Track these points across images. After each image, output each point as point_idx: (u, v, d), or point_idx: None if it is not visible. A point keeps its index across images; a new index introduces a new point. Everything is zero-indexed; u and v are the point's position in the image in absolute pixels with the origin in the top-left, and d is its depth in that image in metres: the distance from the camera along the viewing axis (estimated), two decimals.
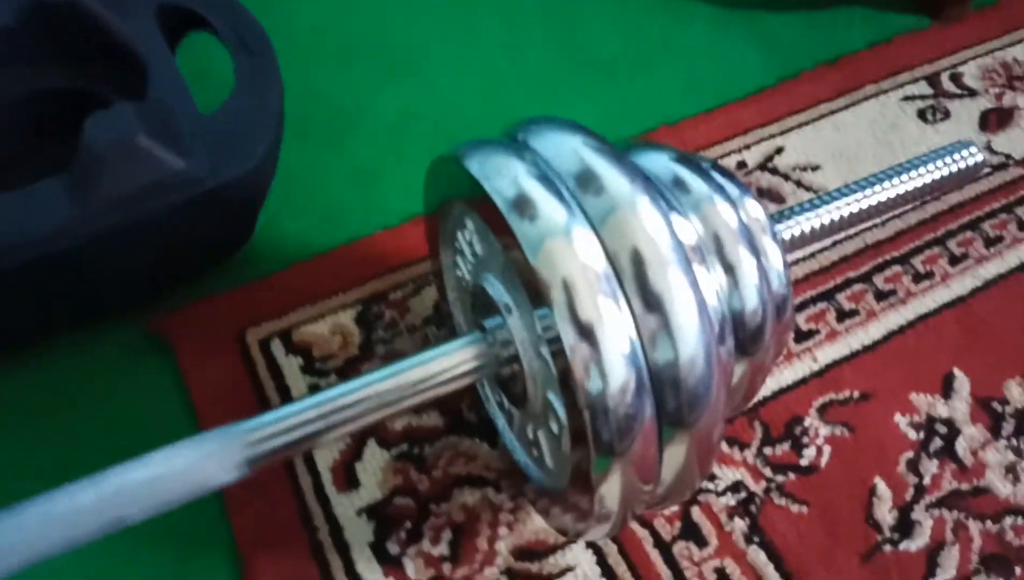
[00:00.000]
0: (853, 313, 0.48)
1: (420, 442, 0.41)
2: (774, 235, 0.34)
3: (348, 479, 0.40)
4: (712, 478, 0.41)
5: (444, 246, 0.39)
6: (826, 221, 0.39)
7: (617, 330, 0.28)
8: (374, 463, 0.41)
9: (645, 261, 0.28)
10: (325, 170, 0.53)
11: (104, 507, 0.28)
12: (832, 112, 0.58)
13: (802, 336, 0.47)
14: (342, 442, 0.41)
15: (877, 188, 0.40)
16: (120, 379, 0.43)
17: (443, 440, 0.41)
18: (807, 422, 0.44)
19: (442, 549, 0.38)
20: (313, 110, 0.55)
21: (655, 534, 0.39)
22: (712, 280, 0.32)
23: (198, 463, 0.29)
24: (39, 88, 0.49)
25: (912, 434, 0.44)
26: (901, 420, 0.44)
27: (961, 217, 0.52)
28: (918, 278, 0.49)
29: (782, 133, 0.57)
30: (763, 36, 0.64)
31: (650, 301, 0.28)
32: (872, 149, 0.56)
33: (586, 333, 0.28)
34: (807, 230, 0.38)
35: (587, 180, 0.30)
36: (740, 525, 0.40)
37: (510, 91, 0.60)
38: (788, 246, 0.38)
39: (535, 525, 0.39)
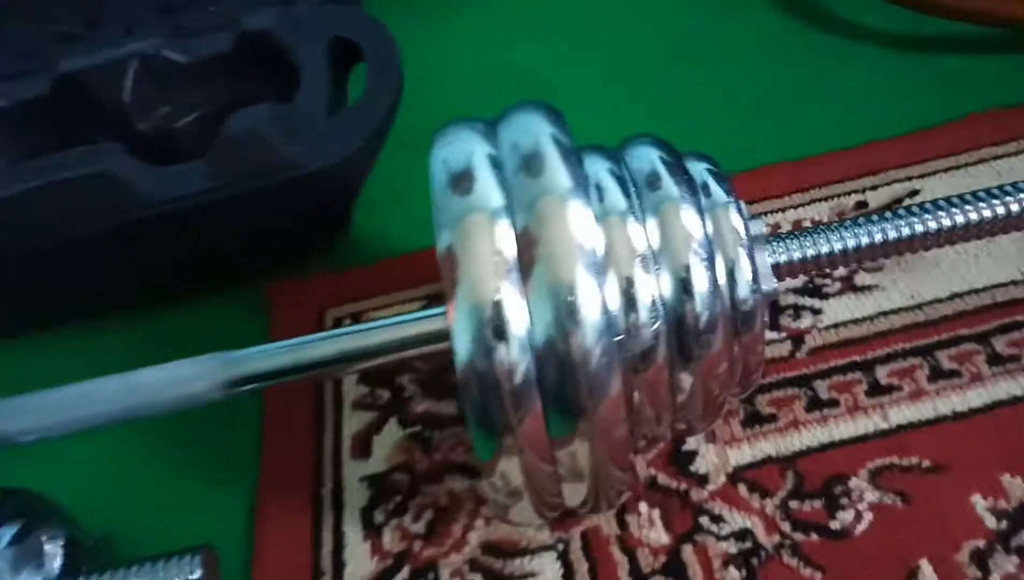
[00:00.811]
0: (953, 374, 0.41)
1: (432, 426, 0.44)
2: (749, 249, 0.32)
3: (363, 449, 0.44)
4: (717, 519, 0.38)
5: None
6: (829, 250, 0.34)
7: (513, 315, 0.28)
8: (389, 438, 0.44)
9: (554, 252, 0.29)
10: (422, 174, 0.58)
11: (123, 395, 0.35)
12: (995, 157, 0.50)
13: (877, 390, 0.41)
14: (370, 415, 0.45)
15: (911, 221, 0.35)
16: (227, 329, 0.51)
17: (454, 428, 0.43)
18: (852, 483, 0.38)
19: (419, 527, 0.40)
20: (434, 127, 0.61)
21: (634, 563, 0.37)
22: (649, 281, 0.30)
23: (191, 375, 0.35)
24: (235, 98, 0.61)
25: (991, 521, 0.36)
26: (980, 502, 0.36)
27: None
28: None
29: (923, 176, 0.50)
30: (932, 79, 0.57)
31: (548, 290, 0.28)
32: None
33: (478, 308, 0.28)
34: (805, 256, 0.34)
35: (531, 164, 0.30)
36: (734, 575, 0.36)
37: (648, 125, 0.61)
38: (786, 269, 0.34)
39: (511, 526, 0.39)
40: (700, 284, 0.31)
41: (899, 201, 0.49)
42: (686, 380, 0.32)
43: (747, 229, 0.33)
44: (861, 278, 0.46)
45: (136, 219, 0.48)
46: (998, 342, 0.42)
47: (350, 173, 0.50)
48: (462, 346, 0.29)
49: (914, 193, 0.49)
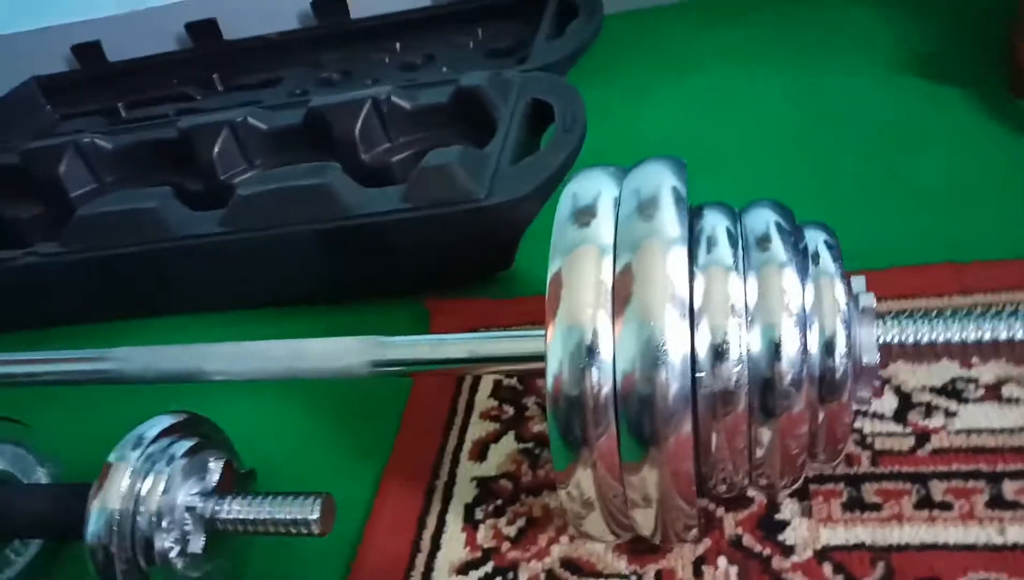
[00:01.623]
0: None
1: (544, 445, 0.47)
2: (847, 321, 0.33)
3: (480, 453, 0.48)
4: None
5: None
6: (947, 338, 0.34)
7: (601, 339, 0.32)
8: (505, 449, 0.48)
9: (649, 292, 0.32)
10: None
11: (290, 357, 0.44)
12: None
13: (999, 503, 0.38)
14: (493, 426, 0.50)
15: None
16: (390, 332, 0.58)
17: None
18: None
19: (511, 531, 0.44)
20: None
21: None
22: (738, 334, 0.32)
23: (346, 350, 0.42)
24: (443, 143, 0.70)
25: None
26: None
27: None
28: None
29: None
30: None
31: (637, 327, 0.32)
32: None
33: (571, 331, 0.32)
34: (919, 339, 0.34)
35: (646, 209, 0.34)
36: None
37: (820, 209, 0.61)
38: (895, 350, 0.34)
39: (594, 548, 0.41)
40: (789, 345, 0.32)
41: None
42: (765, 434, 0.33)
43: (852, 302, 0.34)
44: (1010, 390, 0.43)
45: (340, 226, 0.58)
46: None
47: (519, 212, 0.57)
48: (554, 360, 0.33)
49: None
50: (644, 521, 0.35)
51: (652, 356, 0.31)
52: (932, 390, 0.45)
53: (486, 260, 0.60)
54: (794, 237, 0.35)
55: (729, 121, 0.72)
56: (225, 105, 0.90)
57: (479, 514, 0.45)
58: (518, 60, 0.81)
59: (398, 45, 0.93)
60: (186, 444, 0.42)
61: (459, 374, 0.51)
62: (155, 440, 0.41)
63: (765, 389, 0.32)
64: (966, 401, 0.44)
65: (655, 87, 0.79)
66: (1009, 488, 0.39)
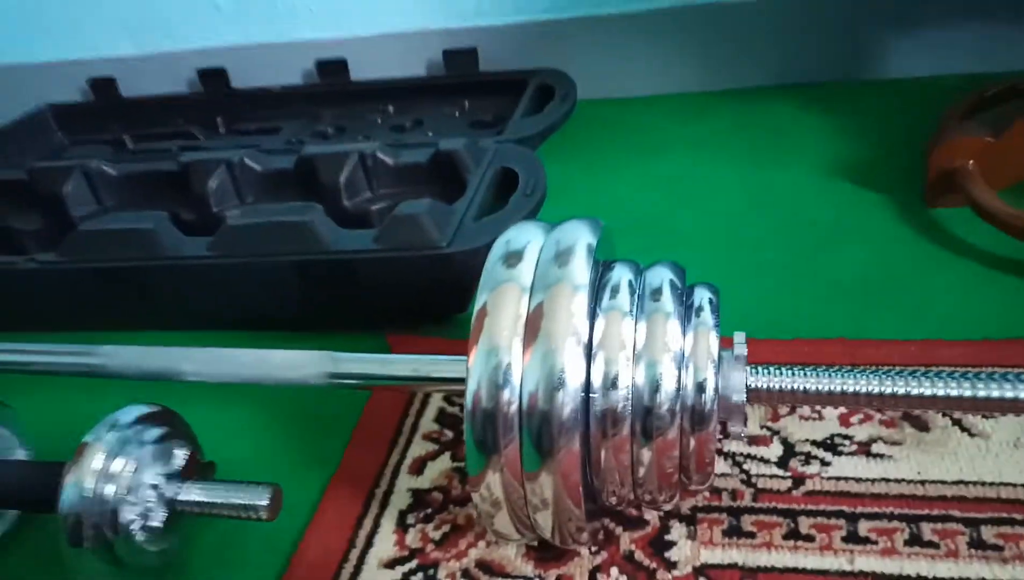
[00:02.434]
0: (931, 544, 0.44)
1: None
2: (717, 366, 0.40)
3: (419, 469, 0.54)
4: None
5: None
6: (804, 387, 0.41)
7: (513, 364, 0.39)
8: (441, 466, 0.54)
9: (553, 329, 0.39)
10: None
11: (256, 363, 0.50)
12: None
13: (853, 539, 0.45)
14: (433, 446, 0.56)
15: (896, 382, 0.40)
16: None
17: None
18: None
19: (436, 535, 0.49)
20: None
21: None
22: (627, 369, 0.39)
23: (305, 361, 0.49)
24: (417, 197, 0.78)
25: None
26: None
27: None
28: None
29: None
30: (1017, 299, 0.60)
31: (542, 353, 0.38)
32: None
33: (490, 355, 0.39)
34: (773, 385, 0.41)
35: (560, 258, 0.41)
36: None
37: (744, 281, 0.68)
38: (760, 393, 0.41)
39: (505, 553, 0.47)
40: (667, 381, 0.39)
41: None
42: (645, 455, 0.40)
43: (726, 351, 0.41)
44: (878, 447, 0.50)
45: (316, 259, 0.65)
46: (987, 530, 0.44)
47: (475, 261, 0.63)
48: (474, 379, 0.39)
49: None
50: (543, 522, 0.41)
51: (552, 380, 0.38)
52: (813, 443, 0.51)
53: (443, 303, 0.67)
54: (683, 293, 0.42)
55: (679, 203, 0.81)
56: (225, 146, 0.98)
57: (411, 519, 0.51)
58: (496, 132, 0.89)
59: (391, 108, 1.02)
60: (156, 431, 0.47)
61: (400, 390, 0.57)
62: (129, 425, 0.47)
63: (646, 416, 0.39)
64: (840, 453, 0.50)
65: (616, 167, 0.88)
66: (863, 527, 0.45)
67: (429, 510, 0.51)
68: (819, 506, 0.47)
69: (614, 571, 0.45)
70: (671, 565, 0.45)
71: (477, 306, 0.40)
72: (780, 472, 0.50)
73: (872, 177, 0.78)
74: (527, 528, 0.42)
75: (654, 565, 0.45)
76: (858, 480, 0.48)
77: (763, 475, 0.50)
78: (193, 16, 1.06)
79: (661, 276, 0.43)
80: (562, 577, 0.46)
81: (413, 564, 0.48)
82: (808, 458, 0.50)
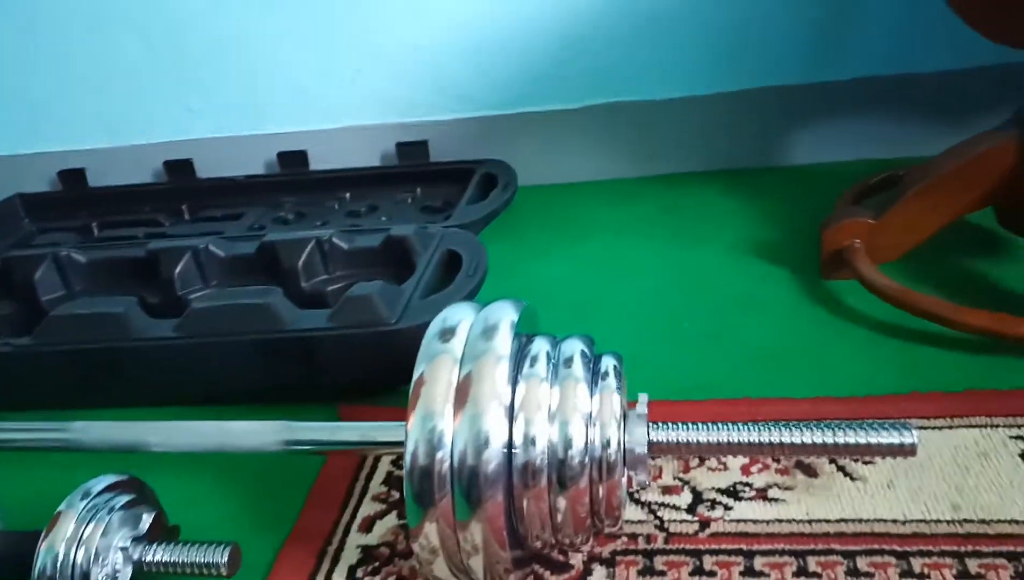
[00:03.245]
0: (815, 575, 0.50)
1: None
2: (621, 422, 0.47)
3: (368, 527, 0.59)
4: None
5: None
6: (697, 439, 0.48)
7: (446, 427, 0.45)
8: (388, 523, 0.59)
9: (480, 393, 0.45)
10: None
11: (216, 434, 0.55)
12: (922, 427, 0.61)
13: (750, 573, 0.51)
14: (381, 506, 0.61)
15: (777, 432, 0.48)
16: None
17: None
18: None
19: None
20: None
21: None
22: (544, 428, 0.46)
23: (263, 430, 0.54)
24: (369, 278, 0.85)
25: None
26: None
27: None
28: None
29: None
30: (898, 360, 0.69)
31: (470, 416, 0.45)
32: (943, 469, 0.57)
33: (425, 420, 0.45)
34: (672, 439, 0.48)
35: (486, 333, 0.48)
36: None
37: (664, 349, 0.76)
38: (660, 446, 0.48)
39: None
40: (577, 438, 0.46)
41: None
42: (561, 503, 0.46)
43: (629, 410, 0.48)
44: (774, 492, 0.57)
45: (275, 338, 0.71)
46: (861, 560, 0.51)
47: (422, 337, 0.70)
48: (412, 440, 0.45)
49: None
50: (476, 567, 0.47)
51: (479, 440, 0.44)
52: (718, 490, 0.58)
53: (393, 375, 0.73)
54: (591, 361, 0.49)
55: (607, 281, 0.89)
56: (190, 233, 1.04)
57: (359, 573, 0.55)
58: (444, 217, 0.97)
59: (348, 195, 1.10)
60: (124, 498, 0.52)
61: (349, 454, 0.63)
62: (100, 493, 0.52)
63: (560, 468, 0.46)
64: (740, 498, 0.57)
65: (550, 249, 0.97)
66: (758, 562, 0.52)
67: (377, 563, 0.56)
68: (721, 545, 0.54)
69: None
70: None
71: (415, 376, 0.47)
72: (689, 517, 0.56)
73: (778, 254, 0.88)
74: (462, 572, 0.47)
75: None
76: (755, 522, 0.55)
77: (674, 520, 0.56)
78: (165, 113, 1.14)
79: (573, 347, 0.50)
80: None
81: None
82: (713, 504, 0.57)
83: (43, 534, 0.49)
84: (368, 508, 0.61)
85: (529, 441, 0.45)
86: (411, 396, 0.46)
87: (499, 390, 0.45)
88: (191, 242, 0.88)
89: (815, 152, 1.08)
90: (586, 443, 0.46)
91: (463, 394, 0.46)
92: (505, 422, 0.45)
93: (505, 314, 0.50)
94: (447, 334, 0.49)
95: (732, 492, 0.58)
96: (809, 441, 0.47)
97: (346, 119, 1.13)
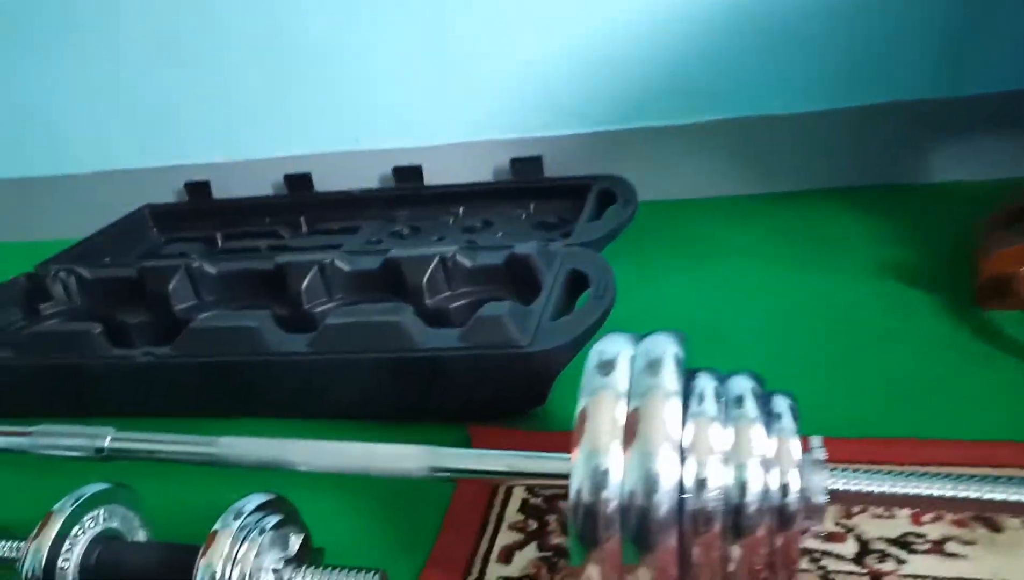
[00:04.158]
0: None
1: (561, 555, 0.57)
2: (801, 468, 0.43)
3: (507, 557, 0.58)
4: None
5: None
6: (884, 490, 0.44)
7: (613, 464, 0.43)
8: (528, 555, 0.57)
9: (650, 432, 0.43)
10: None
11: (363, 455, 0.55)
12: None
13: None
14: (519, 535, 0.59)
15: (977, 486, 0.43)
16: None
17: None
18: None
19: None
20: None
21: None
22: (718, 471, 0.43)
23: (408, 455, 0.53)
24: (494, 297, 0.83)
25: None
26: None
27: None
28: None
29: None
30: None
31: (641, 457, 0.42)
32: None
33: (591, 456, 0.43)
34: (854, 487, 0.44)
35: (650, 368, 0.46)
36: None
37: (798, 382, 0.71)
38: (841, 495, 0.44)
39: None
40: (755, 484, 0.43)
41: None
42: (735, 552, 0.43)
43: (807, 454, 0.44)
44: (952, 546, 0.53)
45: (406, 357, 0.70)
46: None
47: (555, 359, 0.69)
48: (577, 477, 0.43)
49: None
50: None
51: (650, 481, 0.42)
52: (887, 540, 0.54)
53: (523, 397, 0.72)
54: (764, 400, 0.46)
55: (735, 304, 0.85)
56: (308, 245, 1.06)
57: None
58: (562, 233, 0.96)
59: (461, 210, 1.10)
60: (273, 519, 0.52)
61: (496, 483, 0.61)
62: (251, 513, 0.52)
63: (736, 515, 0.43)
64: (915, 552, 0.53)
65: (670, 270, 0.93)
66: None
67: None
68: None
69: None
70: None
71: (578, 410, 0.45)
72: (857, 569, 0.52)
73: (918, 279, 0.82)
74: None
75: None
76: (935, 579, 0.51)
77: (841, 572, 0.52)
78: (284, 128, 1.17)
79: (742, 384, 0.47)
80: None
81: None
82: (883, 555, 0.53)
83: (201, 552, 0.49)
84: (505, 538, 0.59)
85: (702, 484, 0.43)
86: (575, 431, 0.44)
87: (669, 429, 0.43)
88: (316, 257, 0.88)
89: (946, 170, 1.02)
90: (764, 489, 0.43)
91: (631, 431, 0.43)
92: (677, 463, 0.42)
93: (668, 347, 0.47)
94: (607, 367, 0.47)
95: (904, 543, 0.53)
96: (1015, 498, 0.43)
97: (460, 135, 1.13)
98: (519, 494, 0.64)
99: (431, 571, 0.57)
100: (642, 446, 0.43)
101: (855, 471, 0.46)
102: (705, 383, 0.47)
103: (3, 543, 0.55)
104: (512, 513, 0.62)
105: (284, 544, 0.52)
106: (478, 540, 0.60)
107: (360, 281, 0.88)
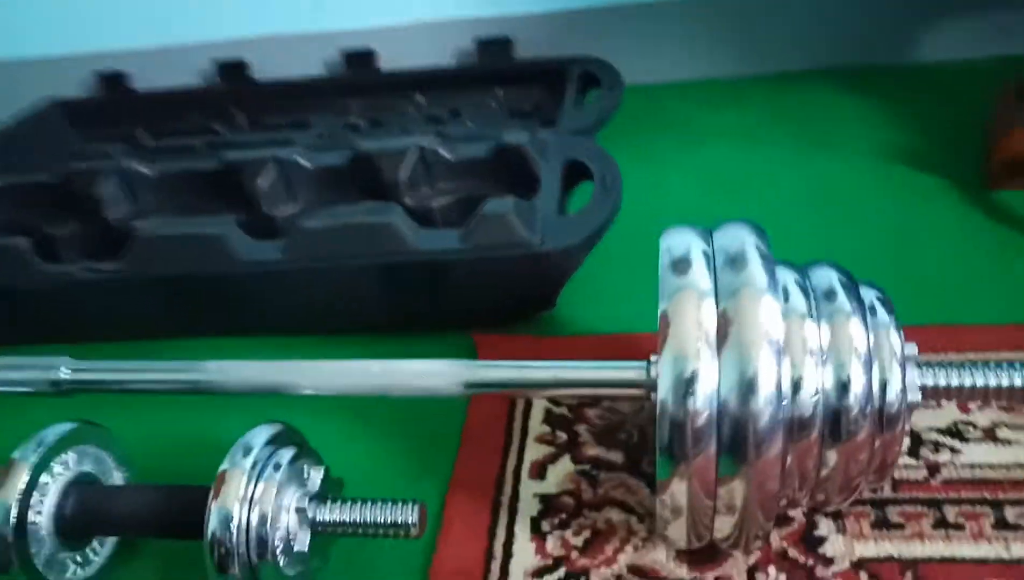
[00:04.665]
0: None
1: (600, 468, 0.52)
2: (902, 366, 0.39)
3: (540, 473, 0.53)
4: None
5: None
6: (973, 383, 0.41)
7: (705, 374, 0.38)
8: (562, 470, 0.53)
9: (746, 333, 0.38)
10: (619, 283, 0.69)
11: (383, 375, 0.48)
12: None
13: (1003, 525, 0.45)
14: (549, 449, 0.54)
15: None
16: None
17: (617, 473, 0.52)
18: None
19: (578, 541, 0.48)
20: (641, 249, 0.71)
21: None
22: (816, 372, 0.38)
23: (438, 371, 0.47)
24: (482, 193, 0.76)
25: None
26: None
27: None
28: None
29: None
30: None
31: (736, 361, 0.37)
32: None
33: (681, 369, 0.38)
34: (945, 382, 0.41)
35: (734, 263, 0.41)
36: None
37: None
38: (927, 388, 0.41)
39: (659, 555, 0.46)
40: (856, 384, 0.39)
41: None
42: (832, 457, 0.39)
43: (903, 348, 0.40)
44: (1003, 432, 0.51)
45: (402, 262, 0.63)
46: None
47: (565, 262, 0.63)
48: (664, 388, 0.38)
49: None
50: (724, 527, 0.40)
51: (749, 387, 0.37)
52: (938, 431, 0.52)
53: (531, 302, 0.66)
54: (855, 292, 0.42)
55: (737, 194, 0.80)
56: (251, 142, 0.94)
57: (546, 526, 0.49)
58: (541, 122, 0.88)
59: (422, 98, 1.00)
60: (287, 453, 0.45)
61: (546, 395, 0.56)
62: (262, 448, 0.45)
63: (836, 420, 0.39)
64: (967, 440, 0.51)
65: (661, 158, 0.87)
66: (1010, 513, 0.46)
67: (563, 515, 0.50)
68: (961, 494, 0.48)
69: (772, 570, 0.45)
70: (828, 561, 0.45)
71: (660, 314, 0.39)
72: (913, 462, 0.50)
73: (926, 162, 0.79)
74: (699, 538, 0.41)
75: (810, 562, 0.45)
76: (992, 466, 0.49)
77: (898, 467, 0.50)
78: (214, 7, 1.02)
79: (827, 276, 0.42)
80: (720, 578, 0.45)
81: (561, 573, 0.47)
82: (937, 446, 0.51)
83: (211, 494, 0.42)
84: (534, 452, 0.55)
85: (798, 386, 0.38)
86: (659, 336, 0.39)
87: (768, 329, 0.38)
88: (272, 152, 0.78)
89: (944, 48, 0.97)
90: (866, 389, 0.39)
91: (722, 334, 0.38)
92: (775, 365, 0.38)
93: (747, 238, 0.42)
94: (682, 265, 0.41)
95: (955, 433, 0.51)
96: None
97: (417, 13, 1.01)
98: (540, 405, 0.58)
99: (457, 493, 0.52)
100: (737, 350, 0.37)
101: (943, 366, 0.42)
102: (786, 276, 0.42)
103: None
104: (536, 425, 0.57)
105: (302, 479, 0.45)
106: (504, 456, 0.55)
107: (326, 180, 0.78)
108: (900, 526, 0.46)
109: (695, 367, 0.38)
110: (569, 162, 0.73)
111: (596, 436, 0.55)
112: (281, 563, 0.43)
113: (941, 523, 0.46)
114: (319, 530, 0.44)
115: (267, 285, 0.65)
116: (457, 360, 0.47)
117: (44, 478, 0.46)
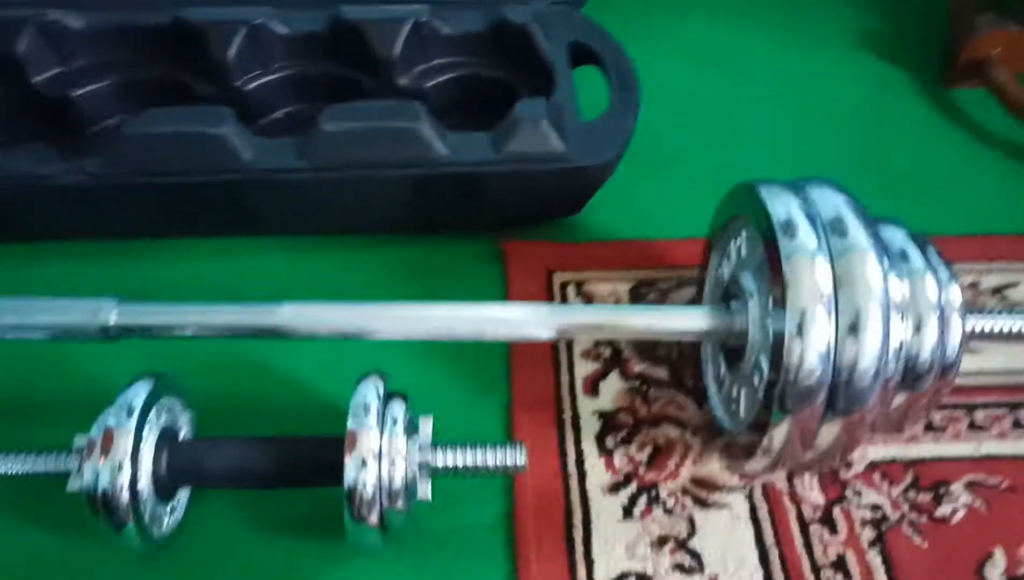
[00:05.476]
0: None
1: (649, 384, 0.57)
2: (962, 318, 0.46)
3: (594, 389, 0.57)
4: (858, 493, 0.53)
5: (715, 254, 0.55)
6: (1013, 328, 0.49)
7: (822, 333, 0.42)
8: (614, 386, 0.57)
9: (858, 294, 0.42)
10: (643, 186, 0.70)
11: (475, 319, 0.48)
12: None
13: (974, 427, 0.56)
14: (596, 364, 0.58)
15: None
16: (469, 266, 0.64)
17: (666, 390, 0.57)
18: (953, 487, 0.53)
19: (642, 457, 0.54)
20: (650, 143, 0.72)
21: (799, 511, 0.52)
22: (901, 327, 0.44)
23: (527, 317, 0.48)
24: (480, 74, 0.72)
25: None
26: None
27: None
28: None
29: None
30: None
31: (853, 322, 0.42)
32: None
33: (802, 327, 0.42)
34: (991, 328, 0.49)
35: (837, 225, 0.44)
36: (868, 533, 0.51)
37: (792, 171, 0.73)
38: (972, 334, 0.49)
39: (713, 467, 0.53)
40: (930, 338, 0.45)
41: (1000, 290, 0.64)
42: (898, 400, 0.46)
43: (962, 303, 0.47)
44: (973, 343, 0.61)
45: (429, 173, 0.60)
46: None
47: (600, 174, 0.63)
48: (788, 340, 0.42)
49: (1016, 284, 0.64)
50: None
51: (859, 344, 0.41)
52: None
53: (561, 209, 0.66)
54: (923, 249, 0.47)
55: (716, 77, 0.82)
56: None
57: (610, 443, 0.54)
58: None
59: None
60: (400, 405, 0.46)
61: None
62: (379, 401, 0.45)
63: (912, 369, 0.45)
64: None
65: (642, 32, 0.85)
66: (979, 416, 0.57)
67: (624, 432, 0.55)
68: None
69: (806, 475, 0.54)
70: (848, 465, 0.54)
71: (783, 274, 0.42)
72: None
73: (893, 53, 0.84)
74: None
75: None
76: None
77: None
78: None
79: (897, 236, 0.47)
80: (767, 485, 0.53)
81: (633, 487, 0.53)
82: None
83: (346, 446, 0.43)
84: (583, 368, 0.58)
85: (894, 344, 0.44)
86: (779, 294, 0.42)
87: (876, 288, 0.42)
88: (234, 13, 0.67)
89: None
90: (937, 342, 0.45)
91: (837, 294, 0.42)
92: (880, 325, 0.42)
93: (839, 199, 0.45)
94: (790, 228, 0.44)
95: None
96: None
97: None
98: None
99: (521, 412, 0.56)
100: (852, 309, 0.42)
101: (990, 312, 0.50)
102: (894, 236, 0.47)
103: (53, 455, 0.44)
104: (577, 339, 0.60)
105: (414, 428, 0.47)
106: (556, 373, 0.58)
107: (303, 48, 0.70)
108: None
109: (816, 329, 0.42)
110: (574, 45, 0.70)
111: (638, 350, 0.59)
112: (402, 508, 0.45)
113: (930, 427, 0.56)
114: (435, 474, 0.46)
115: (280, 194, 0.60)
116: (546, 305, 0.48)
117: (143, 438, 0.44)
